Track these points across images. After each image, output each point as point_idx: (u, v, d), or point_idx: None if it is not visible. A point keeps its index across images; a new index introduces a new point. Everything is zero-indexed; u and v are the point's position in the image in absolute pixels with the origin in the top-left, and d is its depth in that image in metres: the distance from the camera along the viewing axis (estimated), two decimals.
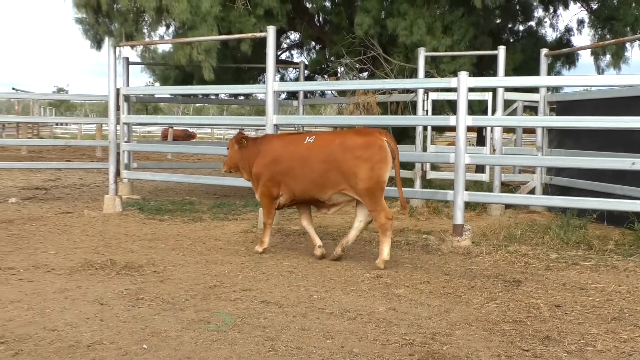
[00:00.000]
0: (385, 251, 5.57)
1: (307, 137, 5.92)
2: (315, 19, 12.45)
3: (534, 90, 9.67)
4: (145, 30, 8.61)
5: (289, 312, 4.21)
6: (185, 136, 32.08)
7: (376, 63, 10.31)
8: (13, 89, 26.73)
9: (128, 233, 7.11)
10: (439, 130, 14.94)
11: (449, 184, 10.29)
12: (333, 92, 12.77)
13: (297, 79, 13.19)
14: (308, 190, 5.84)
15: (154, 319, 3.98)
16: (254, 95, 13.67)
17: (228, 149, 6.50)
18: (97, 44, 8.74)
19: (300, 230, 7.36)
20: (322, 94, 14.12)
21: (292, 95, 12.48)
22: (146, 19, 8.46)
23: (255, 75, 14.08)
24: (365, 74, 11.43)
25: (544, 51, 9.24)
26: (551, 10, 12.91)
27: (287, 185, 5.91)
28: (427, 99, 9.27)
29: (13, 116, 25.67)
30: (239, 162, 6.39)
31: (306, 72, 12.38)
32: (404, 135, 11.19)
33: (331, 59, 12.10)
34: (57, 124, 41.75)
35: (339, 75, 11.88)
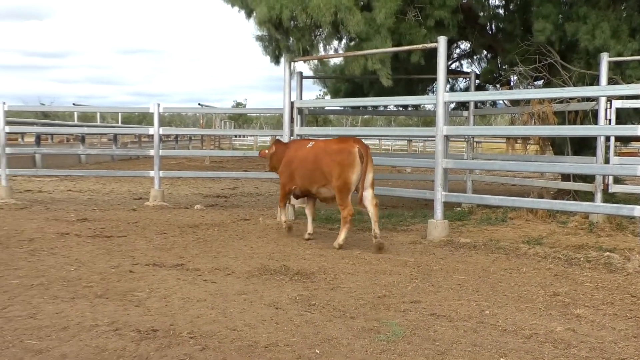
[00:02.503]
0: (341, 237, 6.94)
1: (309, 143, 7.49)
2: (487, 27, 12.12)
3: None
4: (320, 45, 8.92)
5: (460, 326, 4.11)
6: None
7: (553, 71, 9.79)
8: (199, 104, 28.91)
9: (300, 241, 7.38)
10: (624, 140, 13.84)
11: (634, 198, 9.50)
12: (505, 101, 12.32)
13: (466, 89, 12.91)
14: (304, 184, 7.32)
15: (326, 325, 4.09)
16: (422, 106, 13.59)
17: (261, 156, 8.27)
18: (276, 59, 9.24)
19: (471, 243, 7.19)
20: (494, 104, 13.67)
21: (462, 105, 12.22)
22: (321, 33, 8.77)
23: (425, 86, 14.00)
24: (540, 82, 10.90)
25: None
26: None
27: (296, 180, 7.40)
28: (610, 107, 8.64)
29: (198, 129, 27.77)
30: (274, 164, 7.97)
31: (476, 81, 12.07)
32: (583, 145, 10.50)
33: (503, 67, 11.69)
34: (235, 136, 44.54)
35: (511, 84, 11.44)
